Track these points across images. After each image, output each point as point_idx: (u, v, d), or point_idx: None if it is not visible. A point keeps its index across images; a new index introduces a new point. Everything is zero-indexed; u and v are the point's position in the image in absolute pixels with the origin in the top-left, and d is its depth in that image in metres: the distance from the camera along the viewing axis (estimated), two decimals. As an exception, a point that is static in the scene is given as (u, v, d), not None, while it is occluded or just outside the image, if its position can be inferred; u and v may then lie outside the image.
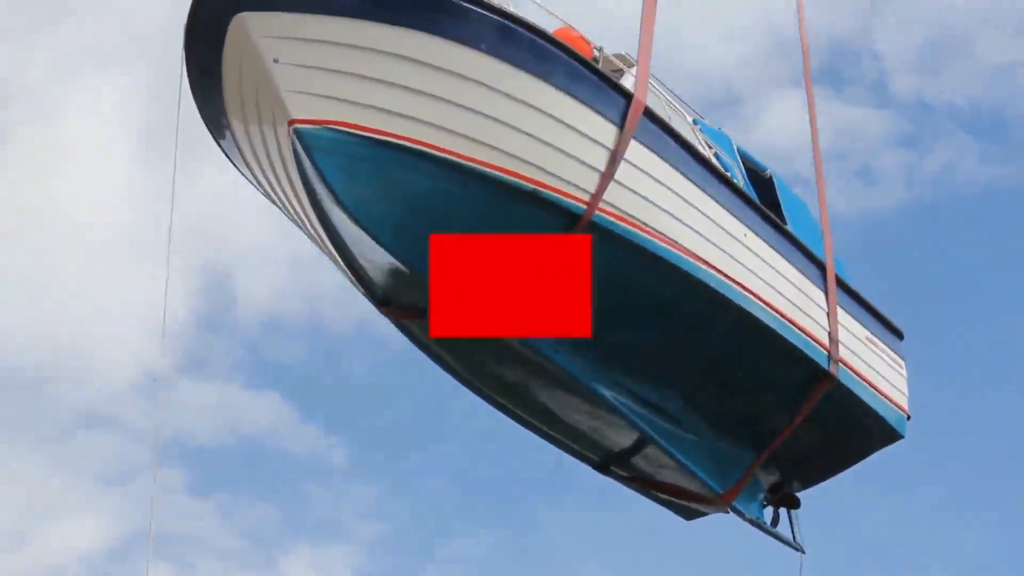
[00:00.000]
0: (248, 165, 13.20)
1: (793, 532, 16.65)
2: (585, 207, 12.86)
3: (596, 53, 14.10)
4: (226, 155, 13.27)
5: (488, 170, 12.42)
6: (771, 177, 16.41)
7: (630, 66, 14.24)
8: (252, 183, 13.62)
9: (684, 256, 13.65)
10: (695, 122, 15.49)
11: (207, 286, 38.53)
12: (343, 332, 38.13)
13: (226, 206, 34.25)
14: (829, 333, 15.54)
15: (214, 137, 13.03)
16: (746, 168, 15.99)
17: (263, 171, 13.08)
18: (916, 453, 26.81)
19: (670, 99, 15.17)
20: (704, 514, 16.71)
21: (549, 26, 13.41)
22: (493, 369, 14.57)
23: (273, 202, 13.68)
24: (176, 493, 37.93)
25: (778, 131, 41.00)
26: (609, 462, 15.95)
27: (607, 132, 13.04)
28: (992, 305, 38.79)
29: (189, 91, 12.53)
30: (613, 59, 14.44)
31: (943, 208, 40.76)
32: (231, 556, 37.19)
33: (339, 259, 13.32)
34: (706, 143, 15.16)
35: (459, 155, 12.30)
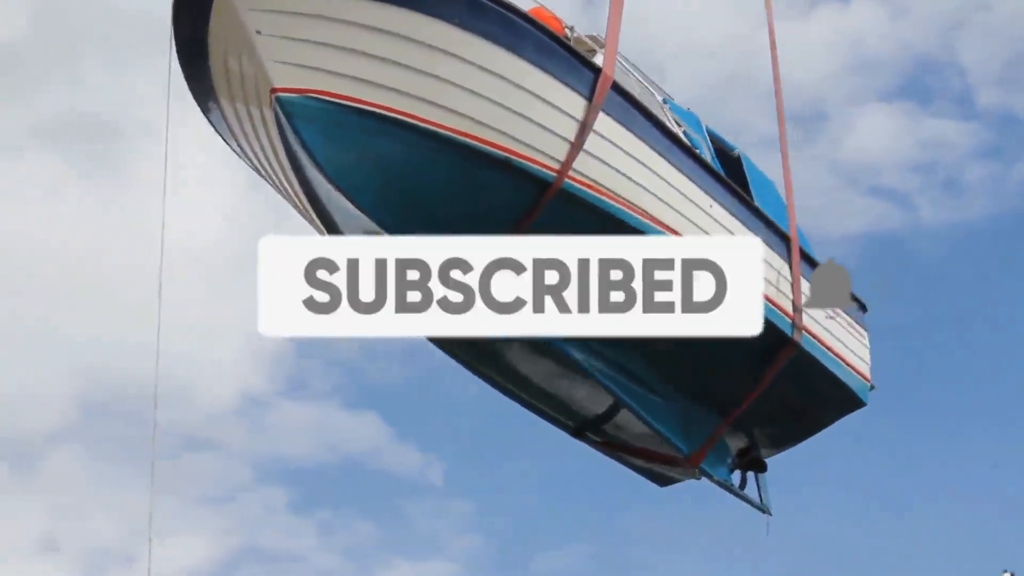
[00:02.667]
0: (235, 136, 13.71)
1: (760, 495, 17.27)
2: (555, 175, 13.41)
3: (568, 32, 14.71)
4: (214, 127, 13.77)
5: (462, 138, 12.91)
6: (739, 156, 17.01)
7: (601, 46, 14.74)
8: (239, 154, 14.16)
9: (650, 223, 14.17)
10: (665, 101, 16.11)
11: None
12: (438, 352, 38.63)
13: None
14: (793, 302, 16.13)
15: (202, 110, 13.52)
16: (715, 147, 16.58)
17: (249, 142, 13.60)
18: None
19: (640, 79, 15.81)
20: (677, 480, 17.33)
21: (524, 5, 14.09)
22: (470, 337, 15.13)
23: (259, 173, 14.21)
24: (277, 512, 38.85)
25: (865, 147, 41.90)
26: (584, 428, 16.58)
27: (576, 104, 13.57)
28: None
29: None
30: (585, 39, 15.01)
31: (1030, 218, 41.28)
32: (330, 573, 37.89)
33: (321, 225, 13.91)
34: (675, 120, 15.77)
35: (435, 123, 12.78)
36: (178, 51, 12.97)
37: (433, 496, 39.21)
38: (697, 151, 15.56)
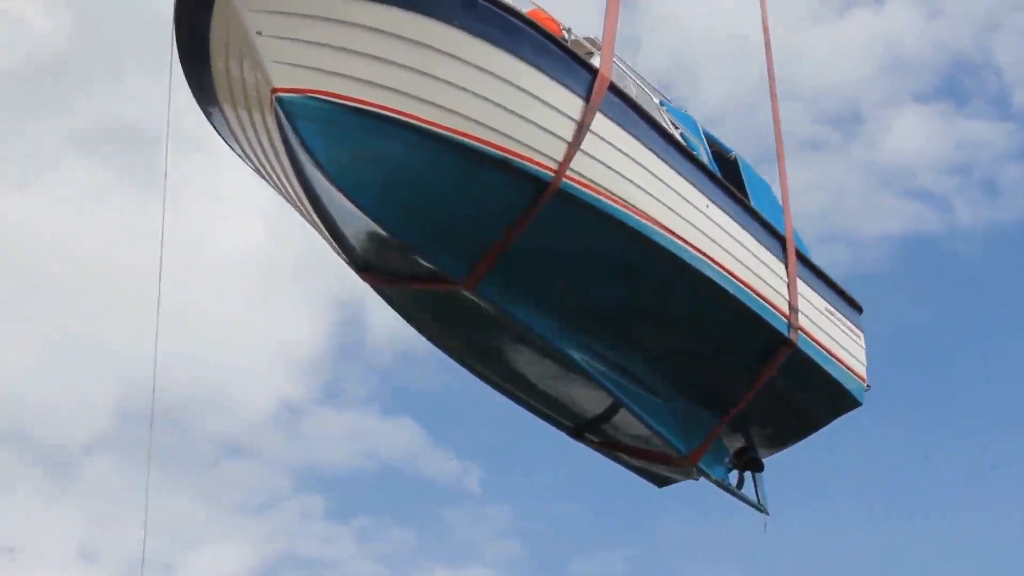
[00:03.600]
0: (237, 138, 13.86)
1: (758, 494, 17.37)
2: (553, 175, 13.52)
3: (566, 34, 14.88)
4: (215, 129, 13.94)
5: (461, 138, 13.03)
6: (736, 158, 17.15)
7: (598, 48, 14.90)
8: (241, 157, 14.31)
9: (647, 223, 14.31)
10: (662, 103, 16.26)
11: (341, 317, 39.32)
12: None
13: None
14: (789, 302, 16.24)
15: (204, 112, 13.69)
16: (712, 149, 16.73)
17: (250, 144, 13.75)
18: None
19: (637, 81, 15.97)
20: (675, 480, 17.43)
21: (523, 6, 14.23)
22: (469, 334, 15.26)
23: (260, 174, 14.38)
24: (315, 519, 39.38)
25: (901, 148, 42.33)
26: (582, 429, 16.69)
27: (574, 105, 13.71)
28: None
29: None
30: (583, 41, 15.20)
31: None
32: (367, 580, 37.46)
33: (322, 226, 14.04)
34: (672, 122, 15.93)
35: (434, 123, 12.91)
36: (179, 53, 13.14)
37: (470, 502, 39.77)
38: (694, 152, 15.70)
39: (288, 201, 14.45)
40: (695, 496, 17.70)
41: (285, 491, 40.59)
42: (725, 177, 16.41)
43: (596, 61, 14.56)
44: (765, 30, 18.06)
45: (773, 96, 17.67)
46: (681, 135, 15.92)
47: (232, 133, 13.88)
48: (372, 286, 14.68)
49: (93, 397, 38.57)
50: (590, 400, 16.00)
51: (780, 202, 17.31)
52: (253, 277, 39.36)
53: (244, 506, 40.98)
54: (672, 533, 36.23)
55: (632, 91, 15.33)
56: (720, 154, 16.95)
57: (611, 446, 16.83)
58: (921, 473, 37.29)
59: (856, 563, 34.43)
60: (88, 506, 38.73)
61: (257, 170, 14.39)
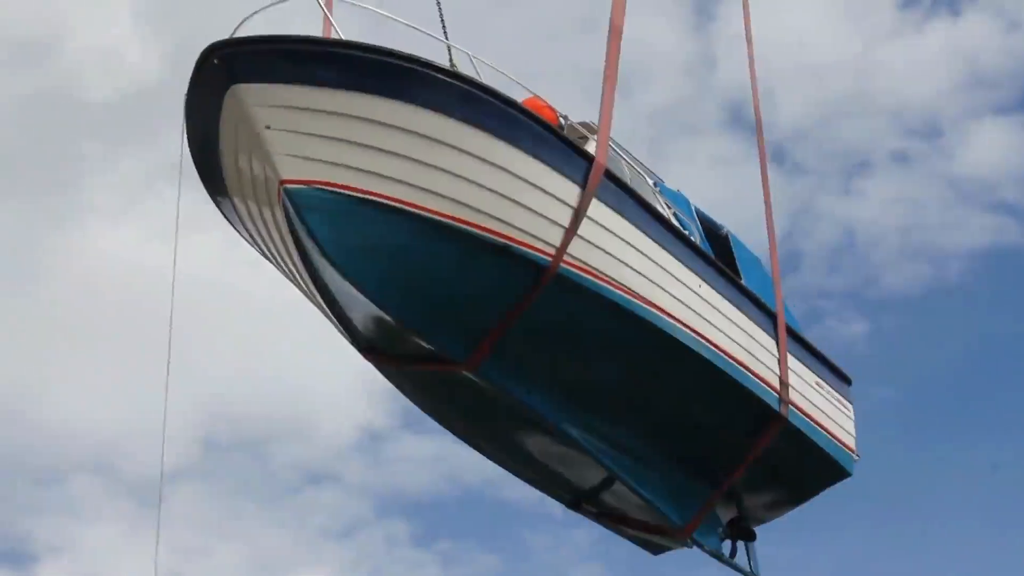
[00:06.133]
0: (244, 224, 14.30)
1: (750, 563, 17.75)
2: (551, 260, 13.95)
3: (562, 121, 15.37)
4: (224, 215, 14.37)
5: (463, 226, 13.47)
6: (727, 235, 17.65)
7: (594, 133, 15.35)
8: (248, 241, 14.73)
9: (642, 304, 14.75)
10: (655, 184, 16.75)
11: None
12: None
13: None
14: (780, 377, 16.70)
15: (213, 199, 14.15)
16: (703, 226, 17.20)
17: (258, 230, 14.16)
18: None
19: (632, 163, 16.44)
20: (669, 548, 17.81)
21: (520, 93, 14.70)
22: (470, 413, 15.66)
23: (267, 258, 14.80)
24: (399, 544, 39.90)
25: (981, 161, 42.70)
26: (580, 500, 17.11)
27: (571, 192, 14.14)
28: None
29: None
30: (578, 126, 15.66)
31: None
32: (453, 604, 37.63)
33: (328, 310, 14.49)
34: (665, 203, 16.40)
35: (436, 212, 13.35)
36: (190, 146, 13.60)
37: (552, 525, 39.84)
38: (686, 232, 16.16)
39: (294, 284, 14.86)
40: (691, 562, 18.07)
41: (368, 516, 41.23)
42: (717, 252, 16.90)
43: (591, 146, 14.98)
44: (754, 90, 18.42)
45: (763, 171, 18.12)
46: (674, 215, 16.39)
47: (240, 219, 14.29)
48: (376, 366, 15.08)
49: (178, 427, 39.01)
50: (587, 472, 16.36)
51: (770, 274, 17.77)
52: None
53: (329, 531, 41.48)
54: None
55: (627, 174, 15.80)
56: (712, 231, 17.41)
57: (608, 517, 17.21)
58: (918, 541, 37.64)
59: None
60: (173, 535, 39.06)
61: (263, 253, 14.79)
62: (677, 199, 16.96)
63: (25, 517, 40.94)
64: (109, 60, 40.56)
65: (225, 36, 13.03)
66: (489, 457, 16.43)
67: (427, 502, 41.13)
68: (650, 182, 16.59)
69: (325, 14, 14.09)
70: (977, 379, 42.14)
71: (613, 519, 17.26)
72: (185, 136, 13.61)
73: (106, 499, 39.69)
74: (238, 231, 14.64)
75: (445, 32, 16.38)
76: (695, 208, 17.28)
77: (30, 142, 41.78)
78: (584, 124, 15.74)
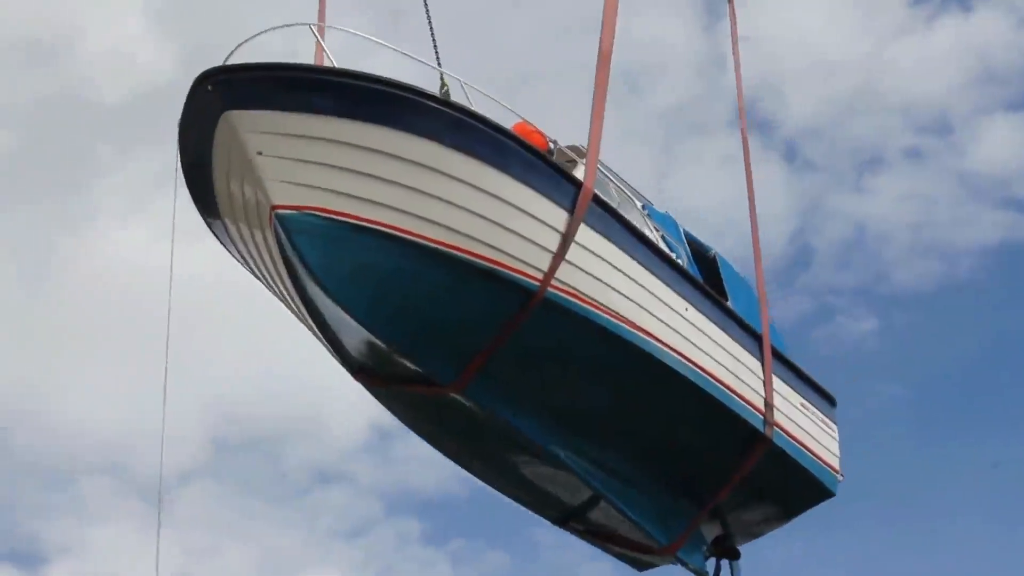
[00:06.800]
0: (236, 246, 14.48)
1: (734, 582, 17.99)
2: (538, 284, 14.13)
3: (551, 145, 15.55)
4: (216, 237, 14.57)
5: (451, 251, 13.66)
6: (715, 256, 17.83)
7: (582, 156, 15.50)
8: (239, 262, 14.90)
9: (629, 328, 14.94)
10: (644, 207, 16.92)
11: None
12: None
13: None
14: (765, 399, 16.87)
15: (205, 221, 14.34)
16: (691, 248, 17.38)
17: (250, 252, 14.33)
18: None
19: (620, 186, 16.62)
20: (655, 565, 18.02)
21: (510, 120, 14.85)
22: (458, 432, 15.83)
23: (258, 279, 14.97)
24: (410, 544, 40.13)
25: (993, 158, 42.75)
26: (567, 518, 17.28)
27: (559, 217, 14.32)
28: None
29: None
30: (566, 151, 15.83)
31: None
32: (464, 603, 37.64)
33: (319, 333, 14.67)
34: (653, 226, 16.58)
35: (425, 237, 13.54)
36: (183, 170, 13.78)
37: None
38: (674, 255, 16.34)
39: (285, 306, 15.03)
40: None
41: (378, 516, 41.38)
42: (704, 273, 17.09)
43: (580, 171, 15.17)
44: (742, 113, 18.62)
45: (751, 196, 18.33)
46: (662, 237, 16.56)
47: (232, 241, 14.47)
48: (365, 387, 15.24)
49: (189, 427, 39.23)
50: (573, 491, 16.53)
51: (756, 295, 17.96)
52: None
53: (339, 531, 41.74)
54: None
55: (615, 197, 15.98)
56: (700, 252, 17.60)
57: (594, 534, 17.39)
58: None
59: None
60: (184, 535, 39.30)
61: (255, 274, 14.96)
62: (665, 221, 17.14)
63: (34, 518, 41.23)
64: (121, 61, 40.79)
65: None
66: (476, 476, 16.62)
67: (437, 501, 41.32)
68: (638, 205, 16.76)
69: (317, 40, 14.24)
70: (988, 376, 42.24)
71: (599, 536, 17.44)
72: (178, 158, 13.79)
73: (115, 499, 39.90)
74: (230, 252, 14.81)
75: (438, 58, 16.61)
76: (683, 230, 17.46)
77: (42, 144, 41.98)
78: (573, 148, 15.90)
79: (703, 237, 17.99)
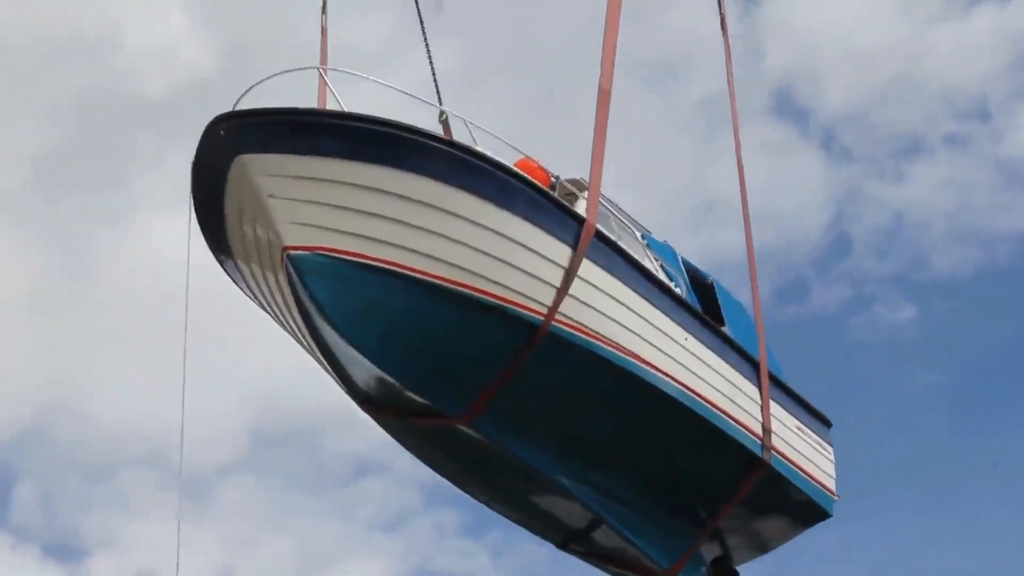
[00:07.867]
0: (247, 283, 14.81)
1: (732, 602, 18.36)
2: (543, 319, 14.48)
3: (553, 180, 15.84)
4: (229, 276, 14.90)
5: (457, 287, 14.00)
6: (712, 283, 18.20)
7: (584, 190, 15.78)
8: (251, 298, 15.22)
9: (631, 359, 15.28)
10: (643, 237, 17.26)
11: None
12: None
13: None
14: (762, 424, 17.23)
15: (217, 259, 14.67)
16: (689, 275, 17.74)
17: (261, 290, 14.69)
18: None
19: (620, 217, 16.95)
20: (655, 586, 18.38)
21: (512, 156, 15.16)
22: (464, 462, 16.18)
23: (269, 315, 15.28)
24: (449, 535, 40.39)
25: None
26: (569, 540, 17.59)
27: (562, 253, 14.66)
28: None
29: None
30: (568, 184, 16.12)
31: None
32: (504, 593, 37.66)
33: (328, 367, 15.02)
34: (653, 257, 16.92)
35: (431, 275, 13.89)
36: (196, 212, 14.10)
37: None
38: (673, 285, 16.68)
39: (295, 341, 15.36)
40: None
41: (417, 507, 41.57)
42: (702, 300, 17.45)
43: (581, 205, 15.48)
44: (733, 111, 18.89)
45: (746, 218, 18.66)
46: (661, 266, 16.90)
47: (243, 278, 14.79)
48: (373, 418, 15.57)
49: (227, 420, 39.35)
50: (575, 515, 16.84)
51: (753, 320, 18.31)
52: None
53: (378, 523, 42.03)
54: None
55: (615, 230, 16.29)
56: (698, 280, 17.95)
57: (596, 556, 17.73)
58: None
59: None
60: (223, 527, 39.39)
61: (266, 310, 15.28)
62: (664, 251, 17.47)
63: (76, 512, 41.42)
64: (164, 57, 41.06)
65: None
66: (481, 501, 16.92)
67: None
68: (638, 235, 17.08)
69: (326, 83, 14.59)
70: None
71: (601, 559, 17.74)
72: (191, 198, 14.12)
73: (156, 492, 39.89)
74: (241, 289, 15.11)
75: (439, 97, 16.97)
76: (681, 258, 17.80)
77: (87, 138, 42.15)
78: (574, 181, 16.18)
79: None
